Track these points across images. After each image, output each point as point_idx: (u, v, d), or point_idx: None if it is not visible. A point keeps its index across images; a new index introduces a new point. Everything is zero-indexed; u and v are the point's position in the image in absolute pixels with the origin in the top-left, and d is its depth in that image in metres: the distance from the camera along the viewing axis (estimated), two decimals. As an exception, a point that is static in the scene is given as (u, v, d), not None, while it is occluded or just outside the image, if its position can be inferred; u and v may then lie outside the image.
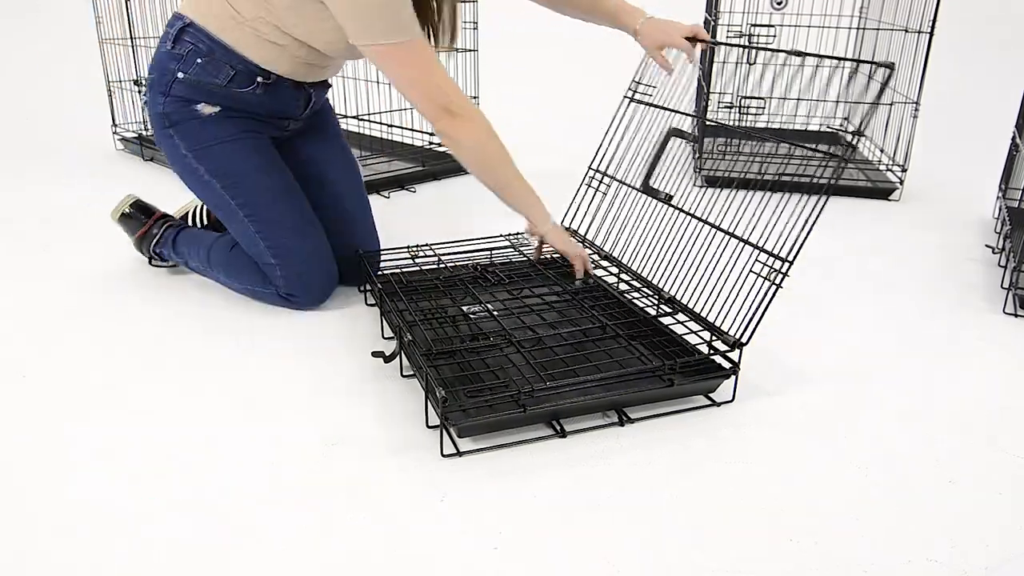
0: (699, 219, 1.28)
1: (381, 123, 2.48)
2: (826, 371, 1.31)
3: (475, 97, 2.40)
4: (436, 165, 2.38)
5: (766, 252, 1.20)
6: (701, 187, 2.29)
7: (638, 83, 1.56)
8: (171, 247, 1.59)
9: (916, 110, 2.23)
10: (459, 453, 1.06)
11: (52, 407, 1.16)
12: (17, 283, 1.60)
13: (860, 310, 1.54)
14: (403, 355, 1.25)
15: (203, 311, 1.47)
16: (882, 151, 2.42)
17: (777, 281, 1.16)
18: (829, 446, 1.10)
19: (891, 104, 2.33)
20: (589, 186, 1.67)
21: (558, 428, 1.11)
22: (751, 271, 1.23)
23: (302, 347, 1.35)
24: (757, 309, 1.16)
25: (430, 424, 1.12)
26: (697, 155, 2.39)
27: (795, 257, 1.14)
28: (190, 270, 1.60)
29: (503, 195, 1.42)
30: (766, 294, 1.16)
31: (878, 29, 2.47)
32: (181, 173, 1.46)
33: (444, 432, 1.07)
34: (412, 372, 1.25)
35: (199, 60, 1.37)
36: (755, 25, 2.45)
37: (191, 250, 1.56)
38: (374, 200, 2.16)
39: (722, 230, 1.24)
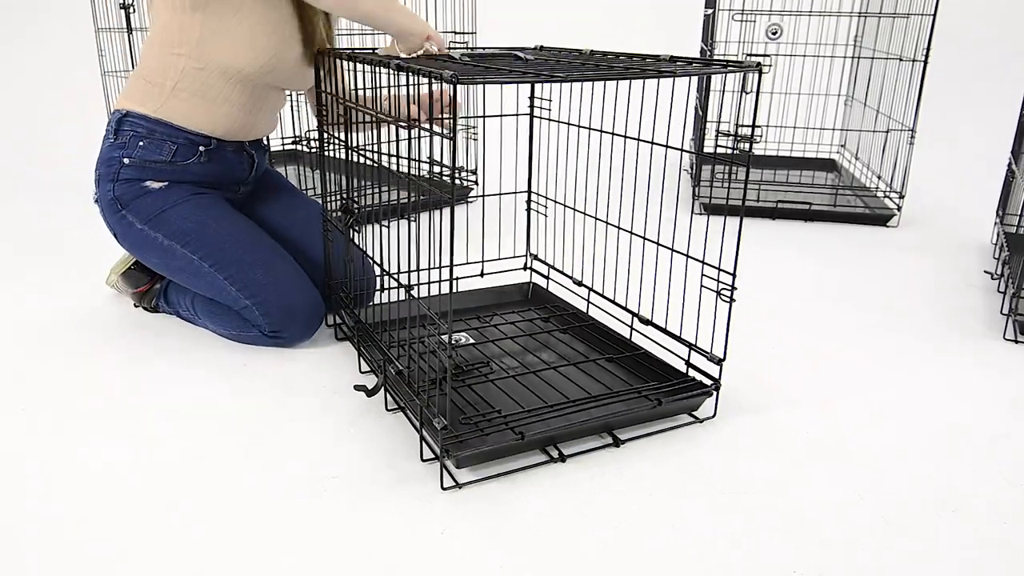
0: (644, 238, 1.28)
1: (377, 152, 2.49)
2: (822, 396, 1.30)
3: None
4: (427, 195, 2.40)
5: (710, 265, 1.23)
6: (700, 214, 2.30)
7: (540, 99, 1.55)
8: (163, 298, 1.60)
9: (912, 137, 2.25)
10: (458, 485, 1.05)
11: (40, 440, 1.16)
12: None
13: (857, 336, 1.54)
14: (386, 390, 1.24)
15: (177, 347, 1.48)
16: (879, 178, 2.43)
17: (728, 296, 1.17)
18: (826, 472, 1.09)
19: (887, 131, 2.35)
20: (536, 211, 1.68)
21: (555, 454, 1.11)
22: (702, 286, 1.23)
23: (280, 384, 1.34)
24: (726, 326, 1.17)
25: (424, 457, 1.11)
26: (696, 183, 2.41)
27: (735, 269, 1.15)
28: (182, 319, 1.59)
29: (371, 11, 1.32)
30: (728, 311, 1.16)
31: (872, 58, 2.50)
32: (140, 249, 1.46)
33: (442, 463, 1.06)
34: (396, 407, 1.24)
35: (140, 143, 1.42)
36: (750, 55, 2.48)
37: (179, 299, 1.56)
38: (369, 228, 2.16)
39: (665, 246, 1.25)
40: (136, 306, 1.64)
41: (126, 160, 1.42)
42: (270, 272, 1.42)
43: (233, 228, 1.45)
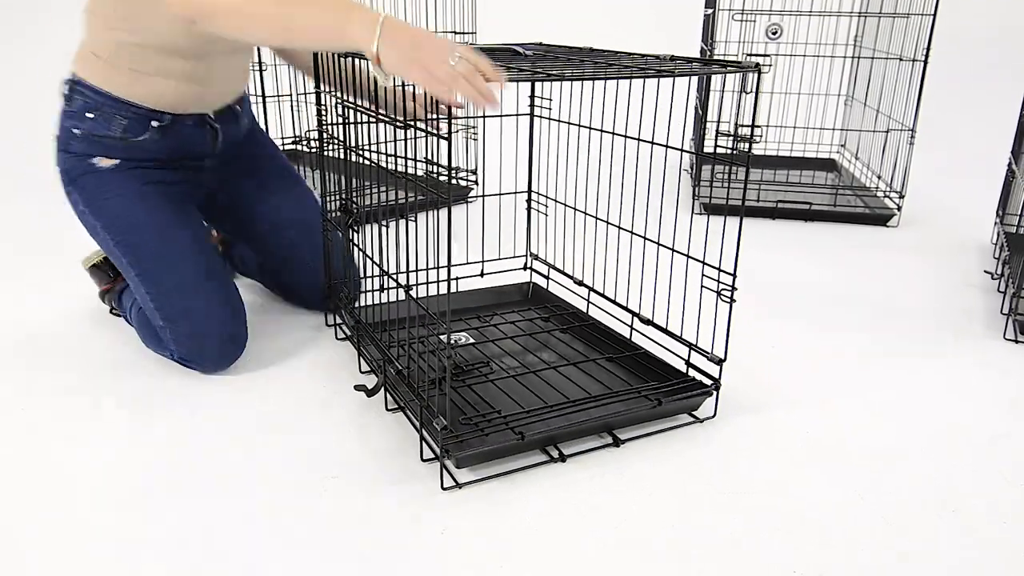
0: (644, 238, 1.29)
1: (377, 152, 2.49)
2: (822, 396, 1.30)
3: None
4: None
5: (711, 266, 1.23)
6: (700, 214, 2.30)
7: (541, 98, 1.55)
8: (118, 299, 1.51)
9: (912, 137, 2.25)
10: (458, 485, 1.05)
11: (40, 440, 1.16)
12: None
13: (857, 336, 1.54)
14: (386, 389, 1.24)
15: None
16: (879, 178, 2.43)
17: (728, 296, 1.17)
18: (826, 472, 1.09)
19: (887, 131, 2.35)
20: (536, 210, 1.68)
21: (556, 454, 1.11)
22: (703, 287, 1.23)
23: (280, 385, 1.34)
24: (727, 326, 1.17)
25: (424, 457, 1.11)
26: (696, 183, 2.41)
27: (735, 269, 1.15)
28: (130, 324, 1.49)
29: (294, 25, 1.04)
30: (728, 311, 1.17)
31: (872, 58, 2.50)
32: (86, 230, 1.39)
33: (442, 463, 1.06)
34: (396, 406, 1.24)
35: (89, 115, 1.31)
36: (750, 55, 2.48)
37: (129, 305, 1.47)
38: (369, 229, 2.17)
39: (665, 246, 1.25)
40: (111, 312, 1.57)
41: (76, 131, 1.32)
42: (187, 298, 1.32)
43: (169, 240, 1.34)
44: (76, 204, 1.37)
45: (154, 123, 1.32)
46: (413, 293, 1.52)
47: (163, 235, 1.33)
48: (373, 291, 1.45)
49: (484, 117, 1.13)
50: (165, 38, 1.25)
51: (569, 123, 1.41)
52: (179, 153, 1.38)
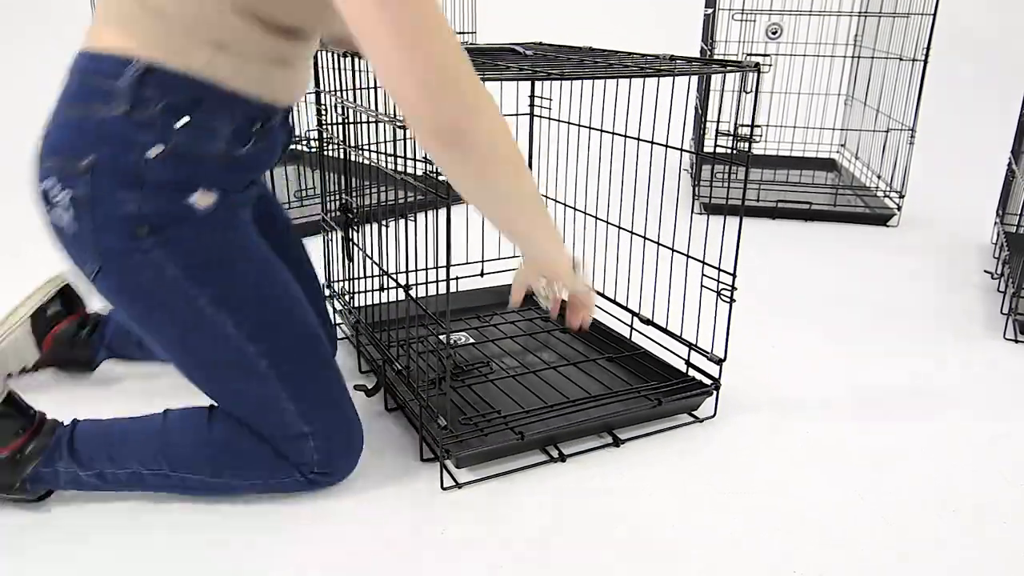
0: (644, 238, 1.29)
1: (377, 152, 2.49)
2: (822, 396, 1.30)
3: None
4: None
5: (710, 265, 1.23)
6: (700, 214, 2.30)
7: (541, 98, 1.56)
8: (67, 455, 0.96)
9: (912, 137, 2.25)
10: (458, 485, 1.05)
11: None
12: None
13: (857, 335, 1.54)
14: (386, 389, 1.24)
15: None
16: (879, 177, 2.43)
17: (728, 296, 1.18)
18: (826, 472, 1.09)
19: (887, 131, 2.35)
20: None
21: (555, 454, 1.11)
22: (703, 286, 1.23)
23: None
24: (726, 326, 1.17)
25: (424, 457, 1.11)
26: (695, 183, 2.41)
27: (735, 269, 1.15)
28: (105, 488, 0.98)
29: (515, 218, 0.95)
30: (728, 311, 1.17)
31: (872, 57, 2.50)
32: (153, 310, 0.91)
33: (442, 463, 1.06)
34: (396, 406, 1.24)
35: (183, 121, 0.86)
36: (750, 55, 2.48)
37: (114, 446, 0.97)
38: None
39: (665, 246, 1.25)
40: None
41: (154, 152, 0.86)
42: (336, 382, 0.99)
43: (305, 319, 0.98)
44: (160, 270, 0.89)
45: (259, 123, 0.93)
46: (412, 293, 1.52)
47: (300, 311, 0.97)
48: (373, 291, 1.45)
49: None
50: (295, 16, 0.90)
51: (569, 123, 1.41)
52: (260, 168, 0.98)
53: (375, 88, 1.08)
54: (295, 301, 0.97)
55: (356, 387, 1.22)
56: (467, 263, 1.67)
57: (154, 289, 0.89)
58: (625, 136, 1.27)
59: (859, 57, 2.70)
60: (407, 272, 1.09)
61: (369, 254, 1.49)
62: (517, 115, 1.49)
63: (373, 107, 1.12)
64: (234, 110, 0.89)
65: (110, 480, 0.96)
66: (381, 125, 1.50)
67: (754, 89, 1.04)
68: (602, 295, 1.45)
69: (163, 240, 0.87)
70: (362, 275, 1.49)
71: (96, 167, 0.85)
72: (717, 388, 1.21)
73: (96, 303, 1.32)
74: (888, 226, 2.29)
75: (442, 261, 1.88)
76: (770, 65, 2.60)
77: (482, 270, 1.64)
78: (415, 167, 1.16)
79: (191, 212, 0.88)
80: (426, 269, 1.43)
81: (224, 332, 0.91)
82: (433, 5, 0.77)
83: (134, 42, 0.85)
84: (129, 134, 0.85)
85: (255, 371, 0.93)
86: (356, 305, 1.44)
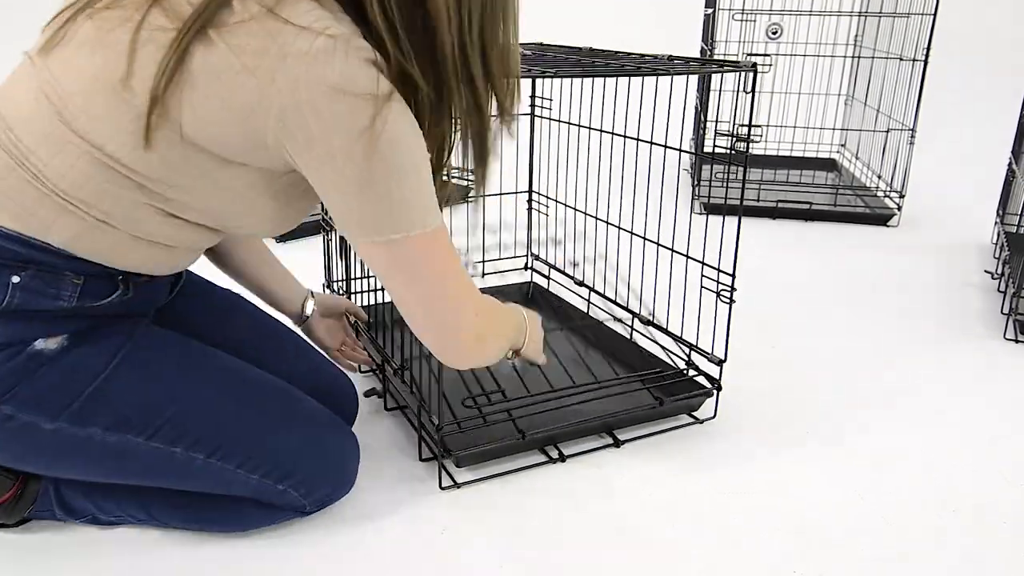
0: (644, 238, 1.29)
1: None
2: (822, 396, 1.30)
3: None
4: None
5: (710, 266, 1.23)
6: (700, 214, 2.29)
7: (541, 98, 1.56)
8: (55, 505, 0.94)
9: (912, 137, 2.25)
10: (456, 485, 1.05)
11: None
12: None
13: (857, 335, 1.54)
14: (386, 389, 1.24)
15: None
16: (879, 177, 2.43)
17: (728, 297, 1.17)
18: (826, 472, 1.09)
19: (887, 131, 2.35)
20: (537, 211, 1.68)
21: (555, 454, 1.11)
22: (702, 287, 1.23)
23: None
24: (727, 327, 1.17)
25: (423, 456, 1.11)
26: (695, 183, 2.40)
27: (735, 270, 1.15)
28: (103, 526, 0.96)
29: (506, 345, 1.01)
30: (728, 312, 1.16)
31: (873, 57, 2.50)
32: (53, 462, 0.86)
33: (441, 463, 1.06)
34: (395, 406, 1.24)
35: (15, 278, 0.78)
36: (751, 55, 2.48)
37: (110, 504, 0.94)
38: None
39: (665, 246, 1.25)
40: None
41: None
42: (297, 427, 0.94)
43: (217, 376, 0.92)
44: (30, 429, 0.81)
45: (125, 282, 0.85)
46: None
47: (215, 383, 0.91)
48: (372, 291, 1.44)
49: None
50: (242, 228, 0.86)
51: (569, 123, 1.41)
52: (141, 308, 0.91)
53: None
54: (215, 374, 0.91)
55: (366, 393, 1.22)
56: (466, 263, 1.67)
57: (40, 447, 0.83)
58: (625, 136, 1.27)
59: (859, 57, 2.70)
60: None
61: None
62: (518, 115, 1.49)
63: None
64: (87, 272, 0.81)
65: (104, 522, 0.95)
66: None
67: (752, 90, 1.04)
68: (602, 295, 1.45)
69: (20, 401, 0.80)
70: (360, 275, 1.49)
71: None
72: (718, 389, 1.21)
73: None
74: (888, 226, 2.29)
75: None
76: (770, 65, 2.60)
77: (483, 270, 1.64)
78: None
79: (39, 358, 0.81)
80: None
81: (139, 451, 0.85)
82: (451, 251, 0.84)
83: None
84: None
85: (194, 466, 0.87)
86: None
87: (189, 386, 0.88)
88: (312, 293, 1.20)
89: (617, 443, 1.14)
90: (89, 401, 0.82)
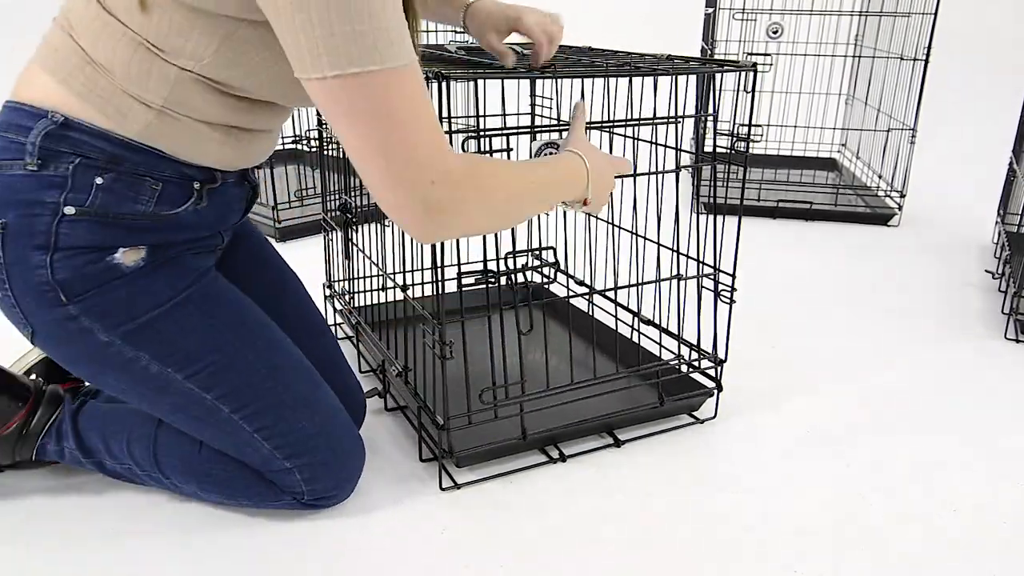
0: (644, 238, 1.29)
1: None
2: (822, 396, 1.30)
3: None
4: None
5: (710, 266, 1.23)
6: (701, 214, 2.29)
7: (541, 97, 1.56)
8: (72, 437, 0.98)
9: (913, 136, 2.25)
10: (457, 485, 1.05)
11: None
12: None
13: (858, 335, 1.54)
14: (387, 390, 1.24)
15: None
16: (880, 177, 2.43)
17: (728, 297, 1.17)
18: (826, 472, 1.09)
19: (888, 131, 2.35)
20: None
21: (556, 454, 1.11)
22: (702, 287, 1.23)
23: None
24: (727, 327, 1.17)
25: (424, 457, 1.11)
26: (696, 183, 2.41)
27: (735, 270, 1.15)
28: (106, 474, 1.01)
29: (542, 202, 0.92)
30: (729, 312, 1.16)
31: (873, 57, 2.50)
32: (99, 372, 0.89)
33: (441, 463, 1.06)
34: (396, 406, 1.24)
35: (98, 180, 0.82)
36: (751, 54, 2.48)
37: (120, 448, 0.98)
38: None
39: (665, 246, 1.25)
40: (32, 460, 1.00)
41: (70, 210, 0.81)
42: (317, 415, 0.95)
43: (258, 343, 0.93)
44: (90, 335, 0.85)
45: (198, 184, 0.88)
46: (410, 293, 1.52)
47: (250, 339, 0.93)
48: (372, 291, 1.44)
49: (484, 117, 1.13)
50: (264, 87, 0.85)
51: (569, 123, 1.40)
52: (215, 225, 0.94)
53: None
54: (260, 340, 0.93)
55: (367, 393, 1.22)
56: (467, 262, 1.67)
57: (91, 354, 0.87)
58: (624, 136, 1.27)
59: (860, 57, 2.70)
60: (403, 272, 1.09)
61: (368, 254, 1.49)
62: (518, 114, 1.49)
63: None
64: (164, 171, 0.85)
65: (108, 470, 0.99)
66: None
67: (752, 89, 1.04)
68: (602, 295, 1.45)
69: (87, 307, 0.84)
70: (362, 275, 1.49)
71: (7, 231, 0.82)
72: (719, 389, 1.21)
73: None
74: (889, 226, 2.29)
75: (445, 260, 1.88)
76: (770, 65, 2.60)
77: (484, 269, 1.65)
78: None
79: (116, 271, 0.84)
80: (423, 269, 1.43)
81: (176, 387, 0.89)
82: (424, 95, 0.76)
83: (69, 96, 0.81)
84: (38, 194, 0.81)
85: (218, 417, 0.91)
86: (356, 305, 1.44)
87: (236, 343, 0.91)
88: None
89: (617, 443, 1.14)
90: (145, 327, 0.86)
